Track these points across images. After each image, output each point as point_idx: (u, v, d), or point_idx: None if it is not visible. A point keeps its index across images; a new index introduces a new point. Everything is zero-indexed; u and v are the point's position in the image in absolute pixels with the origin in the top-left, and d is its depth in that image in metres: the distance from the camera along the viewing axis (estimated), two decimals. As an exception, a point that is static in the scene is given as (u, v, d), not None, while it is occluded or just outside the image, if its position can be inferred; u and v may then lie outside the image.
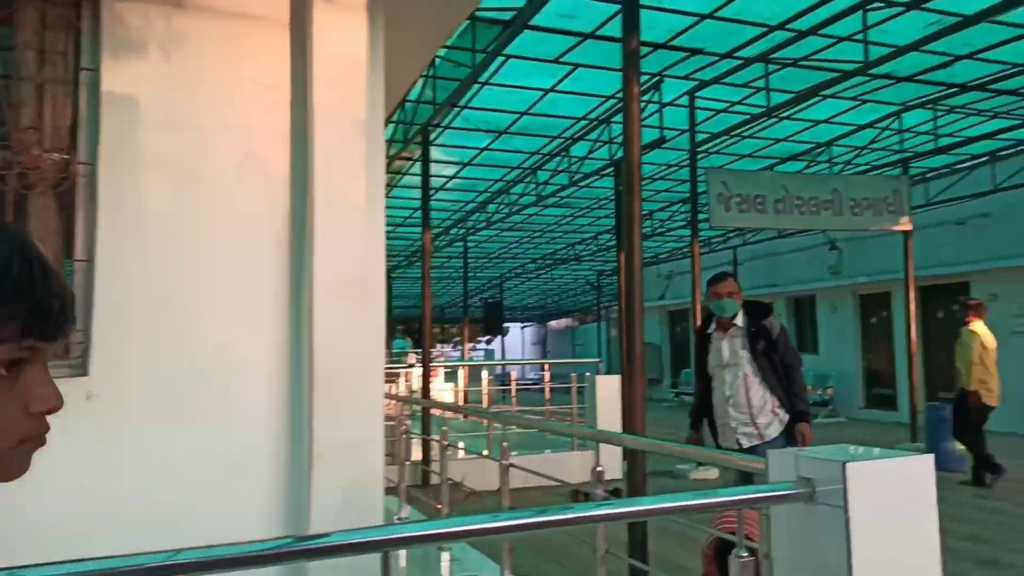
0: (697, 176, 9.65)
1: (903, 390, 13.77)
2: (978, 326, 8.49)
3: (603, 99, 9.00)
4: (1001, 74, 8.38)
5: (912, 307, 11.70)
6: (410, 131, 9.63)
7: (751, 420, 4.32)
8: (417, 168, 10.20)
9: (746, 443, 4.29)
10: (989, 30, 7.15)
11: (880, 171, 12.07)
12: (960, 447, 8.74)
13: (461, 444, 8.25)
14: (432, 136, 10.07)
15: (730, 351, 4.40)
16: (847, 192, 10.04)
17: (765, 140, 10.77)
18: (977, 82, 8.62)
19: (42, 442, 0.70)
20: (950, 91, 8.93)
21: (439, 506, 4.81)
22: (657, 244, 19.16)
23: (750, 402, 4.32)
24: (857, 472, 1.85)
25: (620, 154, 6.72)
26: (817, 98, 8.98)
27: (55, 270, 0.69)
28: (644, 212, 15.06)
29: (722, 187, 9.28)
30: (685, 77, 8.49)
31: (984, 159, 12.13)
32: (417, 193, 10.24)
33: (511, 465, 3.76)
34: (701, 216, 9.83)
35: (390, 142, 10.18)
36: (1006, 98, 9.17)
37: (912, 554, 1.96)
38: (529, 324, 37.37)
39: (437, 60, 7.99)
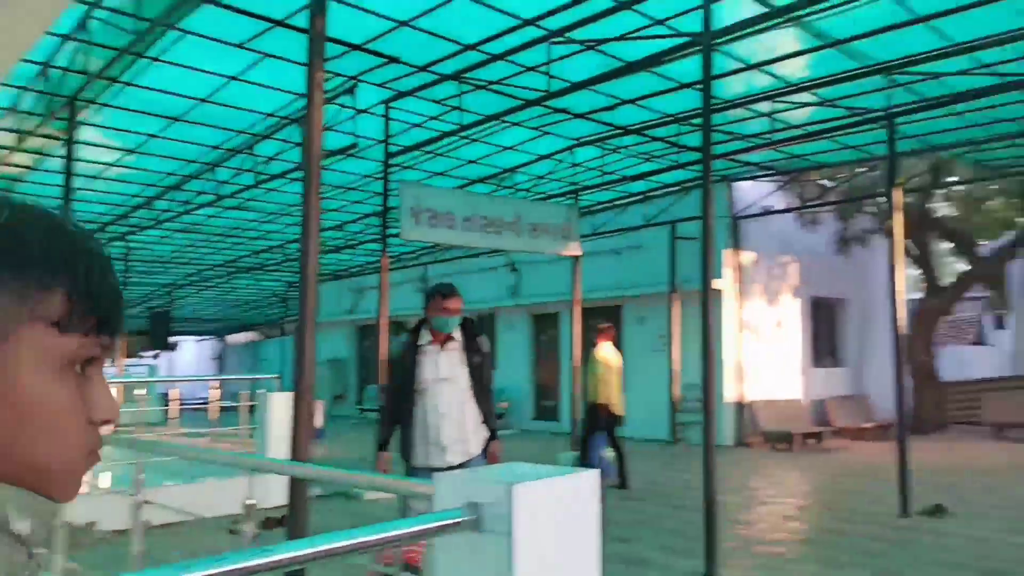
0: (390, 189, 9.52)
1: (565, 402, 15.05)
2: (605, 347, 9.50)
3: (295, 96, 8.43)
4: (655, 122, 9.53)
5: (577, 327, 12.82)
6: (54, 103, 8.12)
7: (463, 437, 4.28)
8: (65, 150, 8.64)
9: (455, 460, 4.24)
10: (649, 79, 8.05)
11: (556, 199, 13.10)
12: (610, 454, 9.64)
13: (98, 477, 7.02)
14: (87, 114, 8.62)
15: (448, 366, 4.29)
16: (527, 216, 10.68)
17: (457, 160, 11.04)
18: (636, 126, 9.70)
19: (99, 457, 0.61)
20: (615, 132, 9.94)
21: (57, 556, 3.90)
22: (349, 257, 18.79)
23: (465, 418, 4.28)
24: (524, 494, 1.68)
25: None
26: (504, 124, 9.40)
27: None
28: (336, 223, 14.61)
29: (414, 200, 9.27)
30: (381, 85, 8.31)
31: (638, 198, 13.79)
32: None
33: (145, 501, 3.13)
34: (392, 231, 9.72)
35: (27, 114, 8.50)
36: (658, 144, 10.46)
37: (573, 570, 1.86)
38: (206, 338, 34.36)
39: (94, 23, 6.82)
